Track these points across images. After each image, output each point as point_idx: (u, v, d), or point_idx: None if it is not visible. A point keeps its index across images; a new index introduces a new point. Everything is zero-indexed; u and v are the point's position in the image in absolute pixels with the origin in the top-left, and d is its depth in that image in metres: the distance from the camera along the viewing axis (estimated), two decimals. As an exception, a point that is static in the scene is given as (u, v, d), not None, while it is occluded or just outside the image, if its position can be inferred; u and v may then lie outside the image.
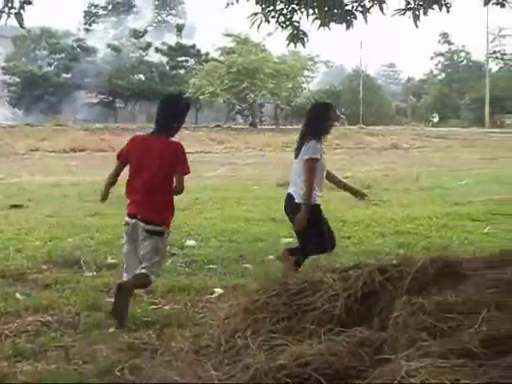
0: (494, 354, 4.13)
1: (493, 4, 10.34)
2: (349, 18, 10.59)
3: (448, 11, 10.54)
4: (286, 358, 4.39)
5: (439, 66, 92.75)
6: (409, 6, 10.46)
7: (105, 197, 7.64)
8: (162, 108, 7.52)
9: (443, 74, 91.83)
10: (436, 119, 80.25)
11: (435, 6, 10.51)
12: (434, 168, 26.82)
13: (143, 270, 7.10)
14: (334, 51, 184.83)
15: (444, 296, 4.94)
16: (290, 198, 8.27)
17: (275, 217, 13.02)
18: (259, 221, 13.23)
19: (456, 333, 4.45)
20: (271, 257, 9.80)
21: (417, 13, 10.48)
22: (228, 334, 5.23)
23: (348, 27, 10.62)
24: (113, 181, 7.56)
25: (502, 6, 10.21)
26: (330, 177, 8.72)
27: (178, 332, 6.38)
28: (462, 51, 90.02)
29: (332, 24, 10.64)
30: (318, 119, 8.29)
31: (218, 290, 8.15)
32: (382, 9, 10.34)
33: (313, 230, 8.02)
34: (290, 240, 10.27)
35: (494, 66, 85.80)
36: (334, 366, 4.30)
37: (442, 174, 24.37)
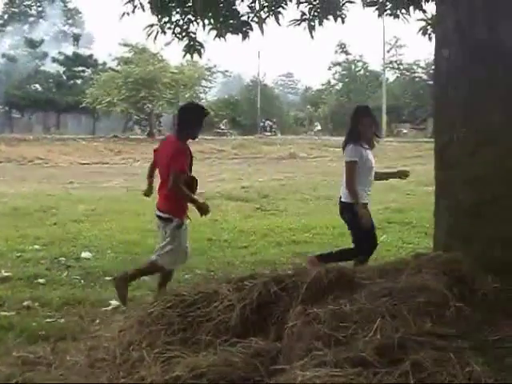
0: (387, 362, 4.16)
1: (387, 15, 10.51)
2: (245, 28, 10.61)
3: (343, 22, 10.68)
4: (181, 369, 4.35)
5: (337, 76, 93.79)
6: (304, 17, 10.55)
7: (148, 193, 8.79)
8: (178, 114, 8.49)
9: (341, 84, 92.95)
10: (318, 127, 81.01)
11: (330, 17, 10.64)
12: (331, 177, 27.05)
13: (153, 257, 8.19)
14: (232, 61, 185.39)
15: (339, 305, 4.96)
16: (340, 197, 8.99)
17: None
18: (155, 232, 13.06)
19: (351, 342, 4.47)
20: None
21: (312, 23, 10.58)
22: (123, 347, 5.15)
23: (244, 38, 10.64)
24: (150, 179, 8.71)
25: (396, 17, 10.39)
26: (377, 175, 9.38)
27: (72, 345, 6.22)
28: (359, 61, 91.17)
29: (229, 35, 10.64)
30: (351, 124, 8.86)
31: (114, 303, 8.04)
32: (277, 20, 10.40)
33: (363, 230, 8.55)
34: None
35: (390, 76, 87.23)
36: (229, 376, 4.29)
37: (339, 183, 24.47)
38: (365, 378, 3.96)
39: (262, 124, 79.00)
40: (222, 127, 73.03)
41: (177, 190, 7.84)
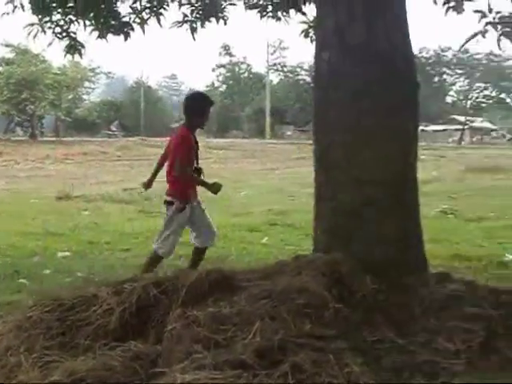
0: (267, 364, 4.17)
1: (268, 17, 10.58)
2: (126, 29, 10.52)
3: (225, 24, 10.72)
4: (59, 374, 4.26)
5: (221, 78, 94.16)
6: (186, 19, 10.53)
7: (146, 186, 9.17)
8: (184, 104, 8.60)
9: (224, 86, 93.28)
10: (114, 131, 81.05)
11: (212, 19, 10.64)
12: (215, 179, 26.98)
13: (154, 246, 8.57)
14: (115, 62, 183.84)
15: (219, 308, 4.96)
16: None
17: (53, 231, 12.72)
18: (36, 235, 12.80)
19: (230, 344, 4.46)
20: (47, 271, 9.49)
21: (194, 25, 10.56)
22: (0, 352, 5.00)
23: (126, 39, 10.55)
24: (154, 173, 9.06)
25: (278, 19, 10.47)
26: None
27: None
28: (243, 63, 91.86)
29: (110, 35, 10.53)
30: None
31: (-11, 307, 7.79)
32: (159, 21, 10.35)
33: None
34: (68, 254, 10.06)
35: (274, 78, 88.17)
36: (108, 380, 4.23)
37: (223, 184, 24.67)
38: (244, 381, 3.96)
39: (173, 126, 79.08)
40: (114, 129, 72.35)
41: (183, 175, 8.27)
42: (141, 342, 4.86)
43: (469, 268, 9.73)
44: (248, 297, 5.15)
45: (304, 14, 9.92)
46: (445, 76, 79.99)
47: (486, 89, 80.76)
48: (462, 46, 28.21)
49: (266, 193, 21.55)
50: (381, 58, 6.19)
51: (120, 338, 4.99)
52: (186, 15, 10.57)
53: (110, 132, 70.33)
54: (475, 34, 8.04)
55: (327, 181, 6.43)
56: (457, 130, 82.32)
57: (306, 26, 10.27)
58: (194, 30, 10.56)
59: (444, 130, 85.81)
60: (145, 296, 5.32)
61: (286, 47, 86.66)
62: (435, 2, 8.93)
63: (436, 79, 78.29)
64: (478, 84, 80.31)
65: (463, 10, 9.12)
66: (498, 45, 8.25)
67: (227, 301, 5.12)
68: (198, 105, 8.47)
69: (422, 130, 78.79)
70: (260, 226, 13.73)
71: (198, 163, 8.64)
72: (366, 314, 5.30)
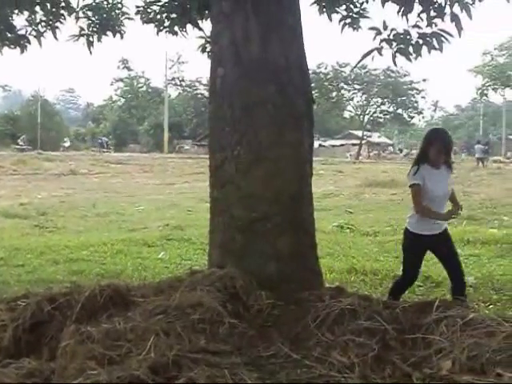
0: (162, 380, 4.15)
1: (165, 32, 10.53)
2: (22, 42, 10.36)
3: (122, 37, 10.65)
4: None
5: (119, 92, 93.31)
6: (82, 33, 10.42)
7: None
8: None
9: (123, 100, 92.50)
10: (67, 144, 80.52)
11: (109, 33, 10.57)
12: (112, 194, 26.90)
13: None
14: (12, 76, 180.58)
15: (113, 324, 4.91)
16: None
17: None
18: None
19: (125, 360, 4.42)
20: None
21: (91, 39, 10.47)
22: None
23: (22, 51, 10.39)
24: None
25: (174, 34, 10.43)
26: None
27: None
28: (141, 77, 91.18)
29: (6, 48, 10.37)
30: (422, 145, 7.77)
31: None
32: (55, 34, 10.21)
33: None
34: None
35: (172, 92, 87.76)
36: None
37: (119, 199, 24.52)
38: (137, 397, 3.94)
39: (99, 141, 77.94)
40: (21, 143, 70.97)
41: None
42: (35, 359, 4.79)
43: (365, 282, 9.88)
44: (142, 312, 5.12)
45: (201, 29, 9.91)
46: (343, 91, 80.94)
47: (383, 104, 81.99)
48: (358, 63, 28.76)
49: (163, 207, 21.48)
50: (276, 73, 6.26)
51: (14, 354, 4.91)
52: (82, 28, 10.46)
53: (18, 146, 68.88)
54: (370, 51, 8.17)
55: (222, 196, 6.44)
56: (354, 144, 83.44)
57: (203, 41, 10.27)
58: (90, 44, 10.46)
59: (342, 144, 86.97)
60: (38, 312, 5.24)
61: (185, 61, 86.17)
62: (330, 19, 9.05)
63: (334, 94, 79.15)
64: (375, 99, 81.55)
65: (359, 26, 9.28)
66: (394, 61, 8.39)
67: (122, 316, 5.07)
68: None
69: (320, 145, 79.85)
70: (156, 241, 13.67)
71: None
72: (262, 329, 5.33)
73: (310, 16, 8.81)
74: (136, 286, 6.13)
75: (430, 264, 11.03)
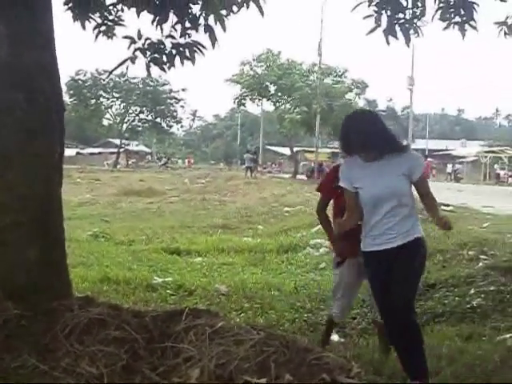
0: None
1: None
2: None
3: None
4: None
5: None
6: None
7: None
8: None
9: None
10: None
11: None
12: None
13: None
14: None
15: None
16: None
17: None
18: None
19: None
20: None
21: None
22: None
23: None
24: None
25: None
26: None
27: None
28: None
29: None
30: None
31: None
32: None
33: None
34: None
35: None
36: None
37: None
38: None
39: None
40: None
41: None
42: None
43: (117, 291, 9.83)
44: None
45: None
46: (102, 99, 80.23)
47: (141, 112, 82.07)
48: (111, 71, 28.67)
49: None
50: (25, 80, 6.11)
51: None
52: None
53: None
54: (124, 60, 8.16)
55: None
56: (112, 153, 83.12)
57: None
58: None
59: (100, 152, 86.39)
60: None
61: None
62: (83, 27, 8.83)
63: (93, 102, 78.33)
64: (134, 107, 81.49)
65: (114, 34, 9.17)
66: (148, 70, 8.43)
67: None
68: None
69: (78, 153, 78.87)
70: None
71: None
72: (8, 340, 5.19)
73: (69, 21, 8.63)
74: None
75: (184, 273, 11.22)
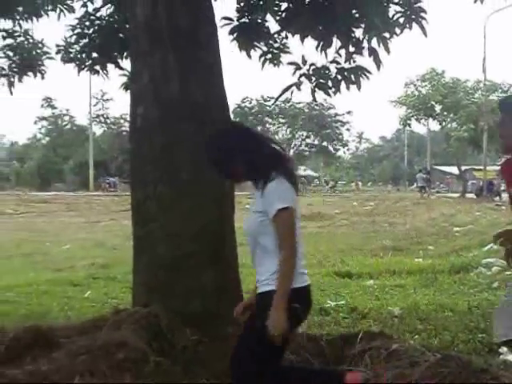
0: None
1: (87, 71, 10.53)
2: None
3: (43, 78, 10.66)
4: None
5: (43, 131, 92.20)
6: (3, 73, 10.39)
7: None
8: None
9: (47, 138, 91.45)
10: None
11: (30, 73, 10.55)
12: (37, 233, 26.46)
13: None
14: None
15: (37, 365, 4.87)
16: None
17: None
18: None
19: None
20: None
21: (12, 79, 10.43)
22: None
23: None
24: None
25: (96, 73, 10.44)
26: None
27: None
28: (66, 115, 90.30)
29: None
30: None
31: None
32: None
33: None
34: None
35: (97, 130, 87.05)
36: None
37: (45, 239, 24.12)
38: None
39: (107, 181, 77.01)
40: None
41: None
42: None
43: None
44: (67, 353, 5.09)
45: (122, 68, 9.90)
46: (268, 125, 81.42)
47: (308, 137, 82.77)
48: (277, 98, 28.95)
49: (89, 246, 21.21)
50: (195, 111, 6.32)
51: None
52: (3, 68, 10.42)
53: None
54: (290, 86, 8.29)
55: (144, 234, 6.45)
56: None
57: (126, 79, 10.27)
58: (11, 84, 10.43)
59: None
60: None
61: (110, 98, 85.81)
62: (249, 56, 9.08)
63: (259, 128, 79.60)
64: (300, 132, 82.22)
65: (280, 62, 9.34)
66: (313, 96, 8.53)
67: (46, 358, 5.04)
68: None
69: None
70: (82, 280, 13.47)
71: None
72: (187, 366, 5.34)
73: (235, 50, 8.87)
74: (60, 327, 6.09)
75: (356, 296, 11.19)
